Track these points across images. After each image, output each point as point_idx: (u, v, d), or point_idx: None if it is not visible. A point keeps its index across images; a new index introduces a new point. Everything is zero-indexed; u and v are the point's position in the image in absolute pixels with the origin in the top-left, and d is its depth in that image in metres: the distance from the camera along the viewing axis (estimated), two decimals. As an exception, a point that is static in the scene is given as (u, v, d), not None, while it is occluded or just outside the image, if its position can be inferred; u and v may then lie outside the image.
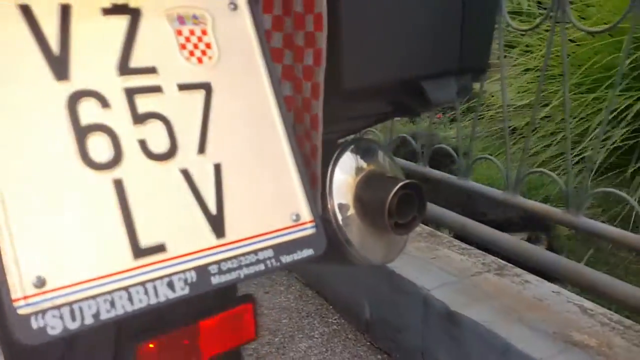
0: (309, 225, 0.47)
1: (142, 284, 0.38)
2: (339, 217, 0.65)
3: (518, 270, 1.19)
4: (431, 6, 0.63)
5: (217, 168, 0.43)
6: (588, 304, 1.04)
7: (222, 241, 0.42)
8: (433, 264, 1.24)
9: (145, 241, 0.39)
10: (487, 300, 1.08)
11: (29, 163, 0.37)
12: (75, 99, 0.39)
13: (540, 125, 2.23)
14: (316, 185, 0.61)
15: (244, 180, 0.44)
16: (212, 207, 0.42)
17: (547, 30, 2.18)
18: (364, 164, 0.69)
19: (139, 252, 0.39)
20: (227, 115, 0.45)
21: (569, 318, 0.99)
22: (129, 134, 0.40)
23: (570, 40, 2.20)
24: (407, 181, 0.63)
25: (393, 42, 0.61)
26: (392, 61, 0.61)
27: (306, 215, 0.47)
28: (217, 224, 0.42)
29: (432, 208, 1.39)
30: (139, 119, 0.41)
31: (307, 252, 0.46)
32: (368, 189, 0.66)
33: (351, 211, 0.66)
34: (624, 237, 1.01)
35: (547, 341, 0.93)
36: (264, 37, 0.49)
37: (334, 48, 0.54)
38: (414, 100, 0.66)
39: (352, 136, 0.79)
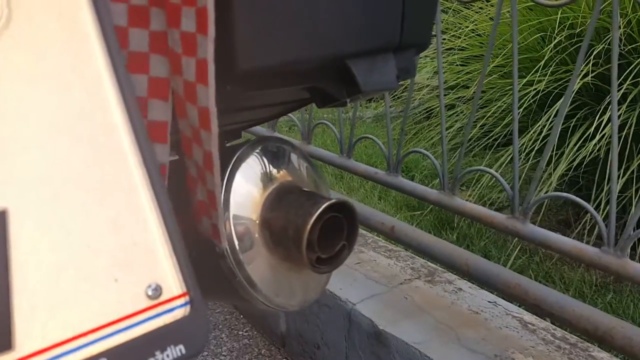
0: (179, 302, 0.28)
1: None
2: (238, 249, 0.47)
3: (449, 275, 1.07)
4: None
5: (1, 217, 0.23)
6: (528, 316, 0.93)
7: (7, 358, 0.23)
8: (358, 271, 1.09)
9: None
10: (419, 314, 0.94)
11: None
12: None
13: (458, 107, 2.16)
14: (215, 208, 0.43)
15: (50, 234, 0.25)
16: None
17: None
18: (274, 174, 0.51)
19: None
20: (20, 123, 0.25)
21: (510, 335, 0.88)
22: None
23: (490, 19, 2.12)
24: (334, 201, 0.46)
25: (307, 6, 0.42)
26: (305, 33, 0.42)
27: (173, 285, 0.28)
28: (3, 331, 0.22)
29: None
30: None
31: (174, 352, 0.27)
32: (279, 210, 0.48)
33: (256, 241, 0.48)
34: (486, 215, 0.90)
35: (489, 367, 0.81)
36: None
37: (224, 12, 0.36)
38: (338, 86, 0.48)
39: (254, 136, 0.59)
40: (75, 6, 0.28)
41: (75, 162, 0.26)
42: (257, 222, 0.48)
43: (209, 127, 0.38)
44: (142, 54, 0.39)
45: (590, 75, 1.53)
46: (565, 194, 0.88)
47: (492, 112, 1.86)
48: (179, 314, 0.28)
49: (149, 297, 0.28)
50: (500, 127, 1.83)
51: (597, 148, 1.44)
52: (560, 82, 1.69)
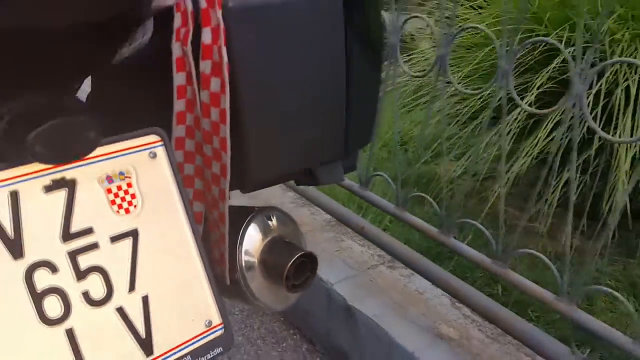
0: (219, 327, 0.62)
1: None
2: (247, 276, 0.80)
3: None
4: (318, 102, 0.74)
5: (145, 299, 0.56)
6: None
7: (150, 358, 0.56)
8: (338, 257, 1.43)
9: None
10: (379, 294, 1.29)
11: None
12: (30, 271, 0.50)
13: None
14: (224, 244, 0.75)
15: (167, 303, 0.58)
16: (142, 332, 0.56)
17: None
18: (270, 230, 0.83)
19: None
20: (151, 252, 0.58)
21: (440, 312, 1.22)
22: (74, 289, 0.52)
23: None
24: (303, 252, 0.78)
25: (289, 140, 0.73)
26: (288, 157, 0.74)
27: (216, 319, 0.62)
28: (146, 344, 0.56)
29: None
30: (81, 275, 0.53)
31: (217, 351, 0.61)
32: (271, 255, 0.80)
33: (257, 272, 0.81)
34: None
35: (421, 334, 1.16)
36: (178, 175, 0.61)
37: (239, 151, 0.65)
38: (307, 179, 0.80)
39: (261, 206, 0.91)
40: (167, 184, 0.60)
41: (176, 268, 0.59)
42: (258, 260, 0.81)
43: (224, 200, 0.69)
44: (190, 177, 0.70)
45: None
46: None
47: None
48: (219, 333, 0.61)
49: (206, 325, 0.61)
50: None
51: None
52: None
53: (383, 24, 0.85)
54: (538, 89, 1.72)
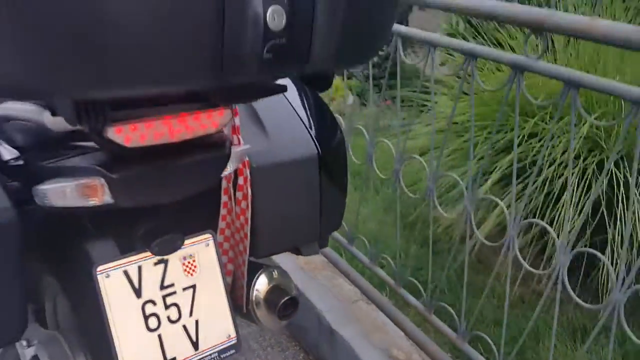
0: (234, 338, 1.13)
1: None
2: (255, 309, 1.31)
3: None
4: (302, 206, 1.25)
5: (197, 321, 1.08)
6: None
7: (197, 351, 1.08)
8: (330, 291, 1.93)
9: None
10: (355, 323, 1.78)
11: None
12: (143, 304, 1.02)
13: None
14: (243, 289, 1.26)
15: (207, 323, 1.09)
16: (194, 337, 1.07)
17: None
18: (272, 280, 1.34)
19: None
20: (202, 295, 1.09)
21: (394, 340, 1.70)
22: (163, 314, 1.04)
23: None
24: (290, 296, 1.29)
25: (283, 230, 1.24)
26: (282, 239, 1.25)
27: (233, 333, 1.13)
28: (195, 344, 1.07)
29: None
30: (167, 307, 1.04)
31: (232, 351, 1.12)
32: (270, 295, 1.32)
33: (261, 305, 1.32)
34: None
35: (380, 354, 1.64)
36: (220, 254, 1.12)
37: (253, 237, 1.17)
38: (295, 252, 1.32)
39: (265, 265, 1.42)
40: (213, 259, 1.12)
41: (215, 307, 1.11)
42: (263, 298, 1.32)
43: (244, 264, 1.21)
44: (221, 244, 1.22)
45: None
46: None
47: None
48: (234, 341, 1.13)
49: (227, 337, 1.12)
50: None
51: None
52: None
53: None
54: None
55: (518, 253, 1.27)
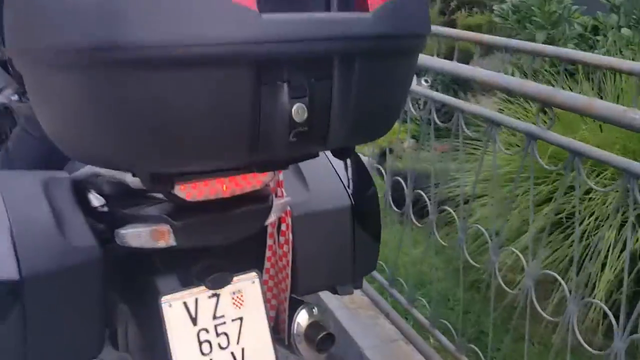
0: (275, 366, 1.29)
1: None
2: (296, 342, 1.47)
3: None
4: (334, 242, 1.40)
5: (243, 349, 1.25)
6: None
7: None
8: (372, 330, 2.05)
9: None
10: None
11: None
12: (198, 331, 1.20)
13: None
14: (284, 322, 1.42)
15: (252, 351, 1.26)
16: (240, 363, 1.24)
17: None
18: (312, 315, 1.50)
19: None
20: (248, 326, 1.26)
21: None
22: (214, 341, 1.22)
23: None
24: (327, 332, 1.44)
25: (322, 269, 1.40)
26: (318, 280, 1.41)
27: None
28: (241, 369, 1.24)
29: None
30: (218, 335, 1.22)
31: (273, 377, 1.28)
32: (310, 330, 1.47)
33: (302, 339, 1.47)
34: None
35: None
36: (264, 289, 1.30)
37: (295, 276, 1.33)
38: (331, 291, 1.47)
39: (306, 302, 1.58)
40: (257, 296, 1.29)
41: (260, 340, 1.28)
42: (303, 332, 1.48)
43: (285, 301, 1.37)
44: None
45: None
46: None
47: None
48: None
49: (269, 365, 1.28)
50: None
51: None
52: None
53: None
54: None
55: (577, 332, 1.32)
